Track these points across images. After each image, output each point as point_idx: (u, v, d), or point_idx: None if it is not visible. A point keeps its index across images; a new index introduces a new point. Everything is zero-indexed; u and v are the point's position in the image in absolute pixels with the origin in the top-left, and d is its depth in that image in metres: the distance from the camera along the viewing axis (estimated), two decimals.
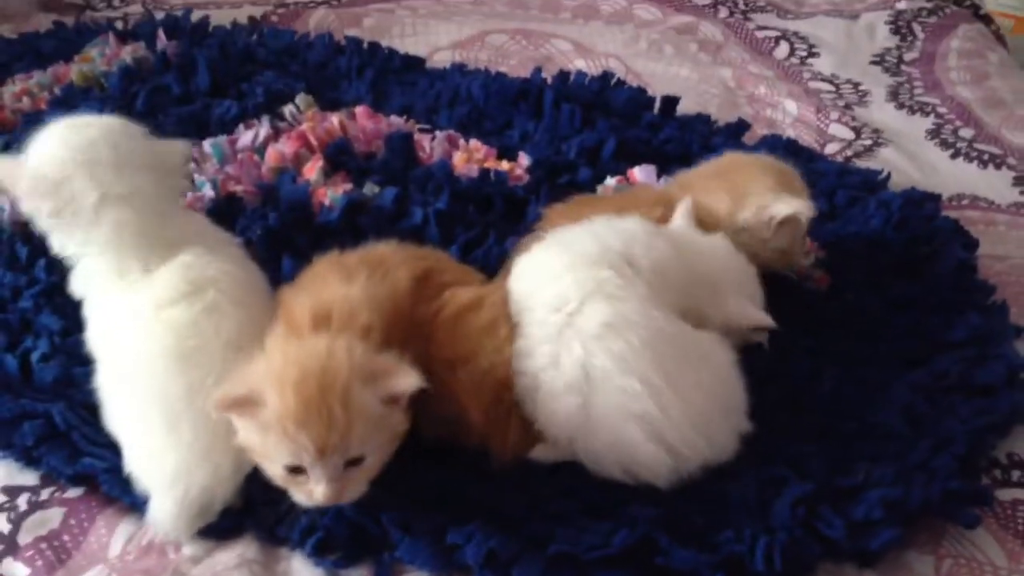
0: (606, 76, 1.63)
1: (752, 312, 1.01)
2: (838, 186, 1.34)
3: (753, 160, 1.18)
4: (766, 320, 1.01)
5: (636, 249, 0.95)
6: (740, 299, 1.01)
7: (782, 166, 1.16)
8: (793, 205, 1.08)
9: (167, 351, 0.87)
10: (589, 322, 0.90)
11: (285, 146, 1.36)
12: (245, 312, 0.91)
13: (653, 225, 1.02)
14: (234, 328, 0.89)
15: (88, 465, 0.91)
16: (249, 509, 0.89)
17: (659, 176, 1.35)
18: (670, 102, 1.56)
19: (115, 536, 0.89)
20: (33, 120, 1.43)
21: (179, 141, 1.01)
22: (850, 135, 1.60)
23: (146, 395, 0.87)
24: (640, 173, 1.35)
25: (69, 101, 1.49)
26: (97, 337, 0.93)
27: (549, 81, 1.60)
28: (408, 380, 0.82)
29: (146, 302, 0.90)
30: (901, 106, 1.71)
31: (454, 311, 0.94)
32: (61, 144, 0.92)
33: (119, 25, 1.84)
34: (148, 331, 0.88)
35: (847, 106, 1.70)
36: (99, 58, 1.60)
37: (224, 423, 0.84)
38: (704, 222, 1.08)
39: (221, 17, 1.90)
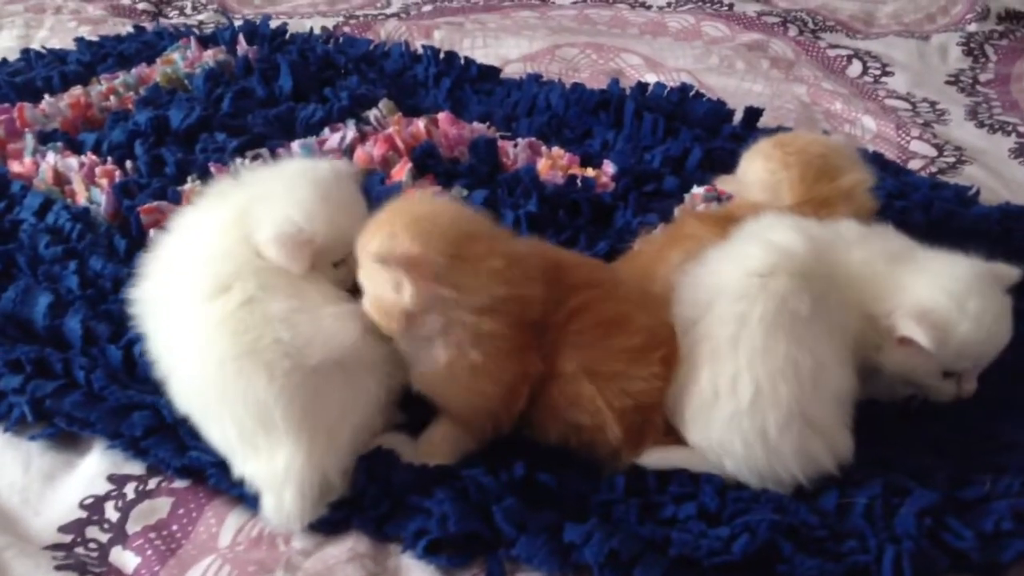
0: (684, 88, 1.62)
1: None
2: (932, 199, 1.32)
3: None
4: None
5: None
6: None
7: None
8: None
9: (230, 354, 0.85)
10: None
11: (373, 148, 1.36)
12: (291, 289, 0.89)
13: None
14: (283, 309, 0.87)
15: (195, 459, 0.90)
16: (356, 502, 0.88)
17: None
18: (753, 114, 1.55)
19: (224, 527, 0.88)
20: (120, 118, 1.44)
21: None
22: (932, 152, 1.58)
23: (230, 399, 0.85)
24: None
25: (154, 101, 1.50)
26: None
27: (628, 92, 1.59)
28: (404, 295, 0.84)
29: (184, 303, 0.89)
30: (981, 125, 1.69)
31: (595, 323, 0.90)
32: None
33: (196, 32, 1.85)
34: (200, 336, 0.87)
35: (926, 124, 1.68)
36: (181, 61, 1.61)
37: (322, 407, 0.84)
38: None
39: (293, 28, 1.91)
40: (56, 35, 1.85)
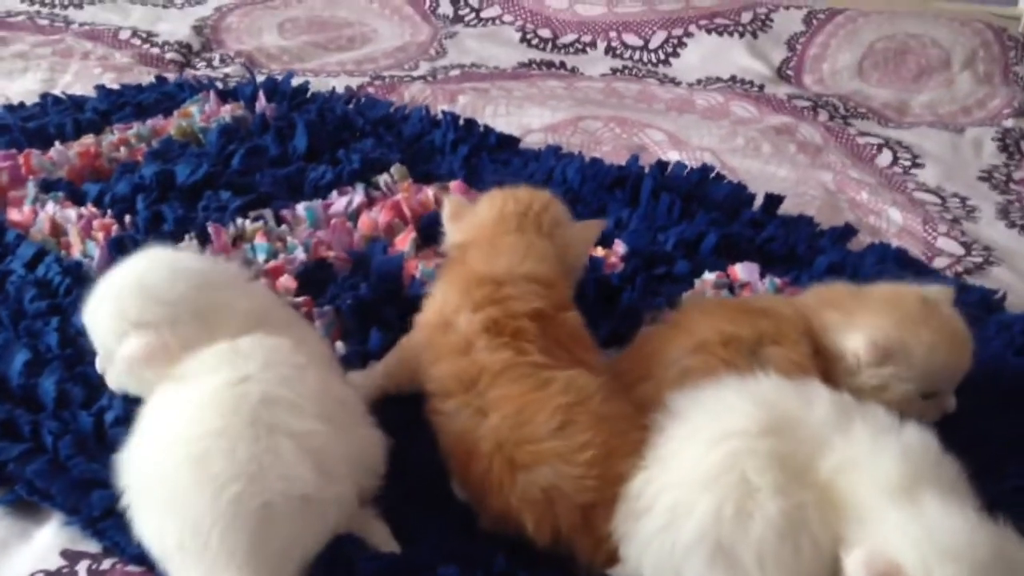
0: (705, 169, 1.58)
1: None
2: (957, 303, 1.25)
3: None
4: None
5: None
6: None
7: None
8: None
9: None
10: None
11: (379, 215, 1.34)
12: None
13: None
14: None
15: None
16: None
17: (762, 276, 1.29)
18: (773, 200, 1.51)
19: None
20: (128, 170, 1.43)
21: None
22: (959, 250, 1.52)
23: (180, 500, 0.79)
24: (742, 271, 1.29)
25: (166, 154, 1.48)
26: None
27: (647, 170, 1.56)
28: None
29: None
30: (1012, 225, 1.63)
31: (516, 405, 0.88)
32: None
33: (218, 85, 1.85)
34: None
35: (955, 220, 1.63)
36: (199, 114, 1.61)
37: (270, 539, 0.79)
38: None
39: (318, 86, 1.91)
40: (80, 80, 1.86)
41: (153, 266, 0.95)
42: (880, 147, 1.89)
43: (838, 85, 2.21)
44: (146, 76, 1.90)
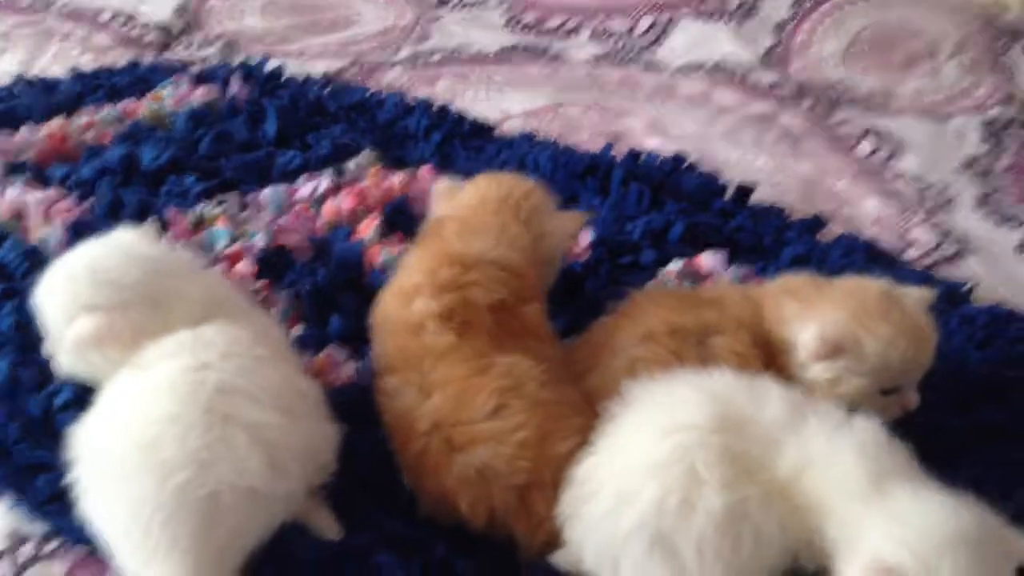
0: (678, 158, 1.58)
1: None
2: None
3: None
4: None
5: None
6: None
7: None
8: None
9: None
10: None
11: (343, 201, 1.33)
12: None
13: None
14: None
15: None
16: None
17: (728, 264, 1.29)
18: (744, 191, 1.50)
19: None
20: (95, 153, 1.42)
21: None
22: (933, 241, 1.52)
23: (128, 487, 0.79)
24: (708, 261, 1.29)
25: (134, 137, 1.48)
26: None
27: (619, 158, 1.55)
28: None
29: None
30: (989, 216, 1.62)
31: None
32: None
33: (195, 68, 1.84)
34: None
35: (931, 210, 1.62)
36: (170, 98, 1.60)
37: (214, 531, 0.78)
38: None
39: (298, 69, 1.90)
40: (58, 62, 1.85)
41: (107, 250, 0.96)
42: (861, 136, 1.88)
43: (824, 72, 2.18)
44: (125, 58, 1.90)
